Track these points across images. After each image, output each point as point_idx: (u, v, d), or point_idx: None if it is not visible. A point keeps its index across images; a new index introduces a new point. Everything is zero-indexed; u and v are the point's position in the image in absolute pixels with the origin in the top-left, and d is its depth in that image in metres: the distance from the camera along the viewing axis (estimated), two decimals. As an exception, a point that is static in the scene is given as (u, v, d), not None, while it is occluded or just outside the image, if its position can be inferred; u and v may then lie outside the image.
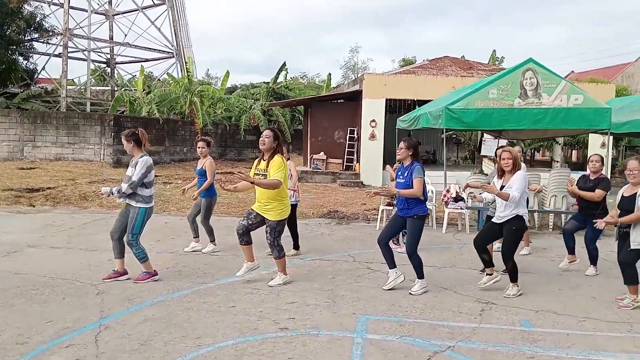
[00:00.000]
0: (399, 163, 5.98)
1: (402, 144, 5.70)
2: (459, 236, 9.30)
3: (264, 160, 5.67)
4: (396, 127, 14.85)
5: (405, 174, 5.63)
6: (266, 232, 5.71)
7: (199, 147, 7.54)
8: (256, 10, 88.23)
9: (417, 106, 17.71)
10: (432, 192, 9.90)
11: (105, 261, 6.58)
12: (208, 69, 58.16)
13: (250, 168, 6.07)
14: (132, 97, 26.07)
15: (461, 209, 9.59)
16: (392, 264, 5.79)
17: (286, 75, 30.88)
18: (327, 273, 6.44)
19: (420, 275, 5.67)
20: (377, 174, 17.36)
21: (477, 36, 73.24)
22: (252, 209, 5.74)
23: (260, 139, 5.64)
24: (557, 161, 22.99)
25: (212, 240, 7.54)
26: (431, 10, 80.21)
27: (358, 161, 18.43)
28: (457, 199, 9.63)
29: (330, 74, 32.17)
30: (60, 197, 12.18)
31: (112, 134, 19.93)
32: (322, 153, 18.91)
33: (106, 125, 20.23)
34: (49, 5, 28.60)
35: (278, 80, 29.65)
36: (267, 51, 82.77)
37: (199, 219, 7.49)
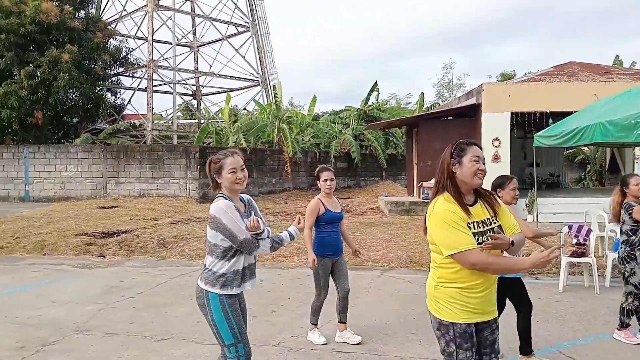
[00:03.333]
0: None
1: None
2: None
3: (479, 206, 2.82)
4: (533, 145, 11.80)
5: None
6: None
7: (327, 181, 4.89)
8: (328, 41, 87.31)
9: (551, 120, 14.56)
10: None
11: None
12: (292, 97, 57.23)
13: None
14: (219, 127, 24.71)
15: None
16: None
17: (378, 96, 28.42)
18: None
19: None
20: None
21: (557, 50, 67.15)
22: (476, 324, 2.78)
23: (481, 168, 2.77)
24: None
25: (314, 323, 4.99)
26: (504, 28, 74.97)
27: (479, 188, 15.36)
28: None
29: (423, 93, 29.49)
30: (136, 243, 10.24)
31: (198, 166, 18.30)
32: (433, 180, 16.00)
33: (192, 157, 18.66)
34: (134, 39, 28.26)
35: (369, 102, 27.27)
36: (344, 79, 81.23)
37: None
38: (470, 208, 2.72)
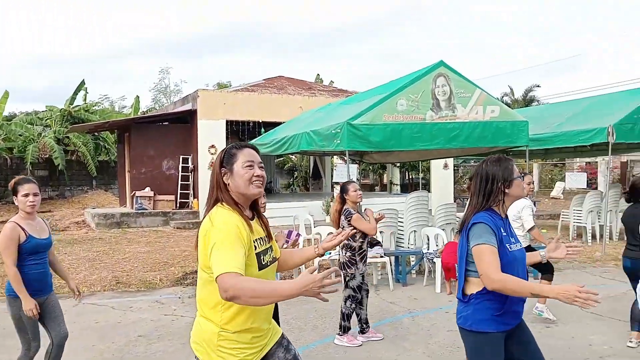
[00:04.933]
0: None
1: None
2: (387, 295, 6.77)
3: (257, 222, 2.40)
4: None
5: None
6: None
7: (29, 196, 3.59)
8: (36, 36, 76.78)
9: (262, 129, 15.19)
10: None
11: None
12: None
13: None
14: None
15: (380, 256, 7.14)
16: None
17: (86, 96, 25.63)
18: None
19: None
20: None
21: (270, 65, 73.69)
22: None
23: (257, 174, 2.29)
24: (396, 184, 22.43)
25: None
26: (222, 41, 78.37)
27: (196, 196, 14.99)
28: (373, 242, 7.22)
29: (138, 96, 27.76)
30: None
31: None
32: (147, 189, 14.98)
33: None
34: None
35: (76, 103, 24.33)
36: (50, 78, 71.99)
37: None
38: (251, 223, 2.26)
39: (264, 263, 2.22)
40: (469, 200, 2.91)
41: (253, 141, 12.01)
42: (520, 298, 2.65)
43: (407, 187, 22.54)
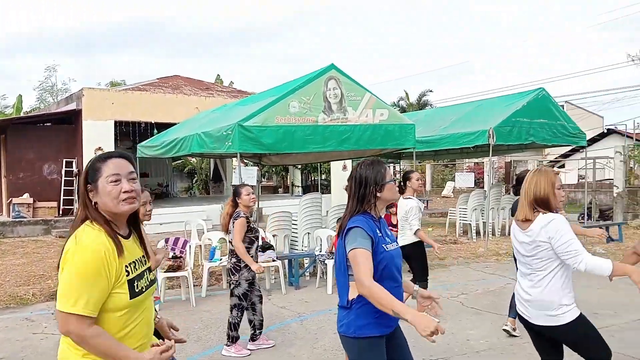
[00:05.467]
0: None
1: None
2: (279, 299, 6.65)
3: (133, 239, 2.14)
4: (137, 155, 11.45)
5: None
6: None
7: None
8: None
9: (155, 130, 14.52)
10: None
11: None
12: None
13: None
14: None
15: (273, 260, 7.01)
16: None
17: (-45, 93, 23.17)
18: None
19: None
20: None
21: (170, 65, 71.17)
22: None
23: (125, 189, 1.97)
24: (298, 186, 22.50)
25: None
26: (117, 39, 74.25)
27: (81, 202, 13.96)
28: (265, 246, 7.10)
29: (20, 95, 25.60)
30: None
31: None
32: (26, 195, 13.73)
33: None
34: None
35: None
36: None
37: None
38: (124, 242, 1.97)
39: (137, 290, 1.94)
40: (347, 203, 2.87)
41: (143, 143, 11.43)
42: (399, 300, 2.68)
43: (309, 189, 22.68)
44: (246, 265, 4.80)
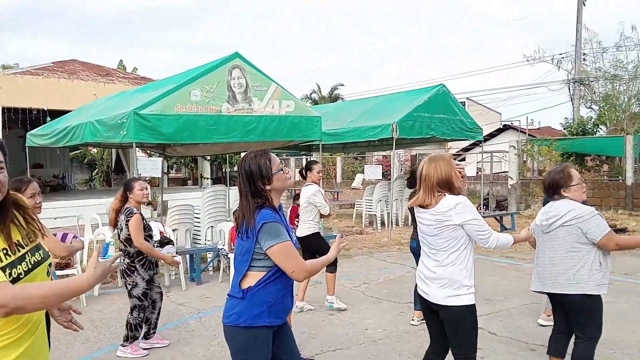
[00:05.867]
0: None
1: None
2: (178, 296, 6.39)
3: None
4: (26, 144, 10.62)
5: None
6: None
7: None
8: None
9: (49, 117, 13.48)
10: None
11: None
12: None
13: None
14: None
15: (172, 255, 6.70)
16: None
17: None
18: None
19: None
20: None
21: (71, 49, 66.65)
22: None
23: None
24: (207, 178, 21.93)
25: None
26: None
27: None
28: (164, 241, 6.79)
29: None
30: None
31: None
32: None
33: None
34: None
35: None
36: None
37: None
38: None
39: (15, 275, 1.73)
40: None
41: (33, 131, 10.56)
42: (290, 293, 2.68)
43: (220, 181, 22.18)
44: (143, 264, 4.52)
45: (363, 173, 22.89)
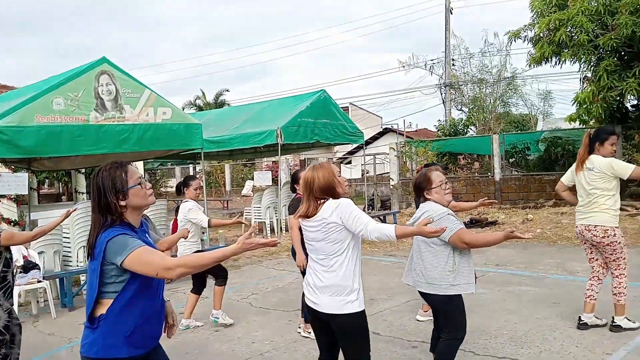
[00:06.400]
0: None
1: None
2: (47, 325, 5.77)
3: None
4: None
5: None
6: None
7: None
8: None
9: None
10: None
11: None
12: None
13: None
14: None
15: (38, 280, 6.07)
16: None
17: None
18: None
19: None
20: None
21: None
22: None
23: None
24: (83, 192, 20.35)
25: None
26: None
27: None
28: (28, 266, 6.16)
29: None
30: None
31: None
32: None
33: None
34: None
35: None
36: None
37: None
38: None
39: None
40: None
41: None
42: (157, 320, 2.43)
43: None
44: (5, 293, 3.98)
45: (253, 180, 22.69)
